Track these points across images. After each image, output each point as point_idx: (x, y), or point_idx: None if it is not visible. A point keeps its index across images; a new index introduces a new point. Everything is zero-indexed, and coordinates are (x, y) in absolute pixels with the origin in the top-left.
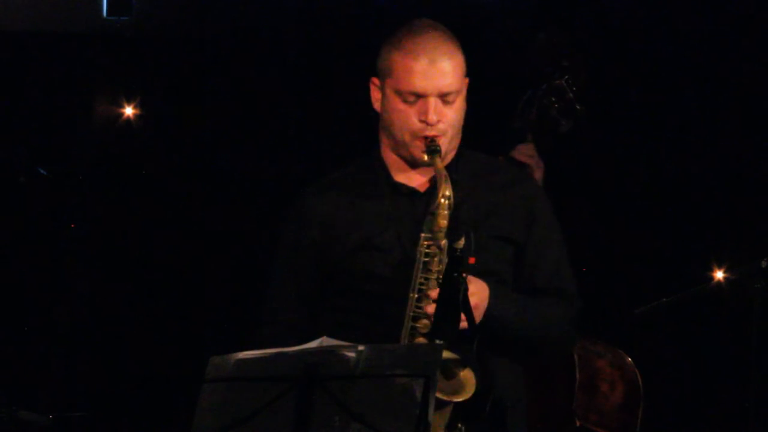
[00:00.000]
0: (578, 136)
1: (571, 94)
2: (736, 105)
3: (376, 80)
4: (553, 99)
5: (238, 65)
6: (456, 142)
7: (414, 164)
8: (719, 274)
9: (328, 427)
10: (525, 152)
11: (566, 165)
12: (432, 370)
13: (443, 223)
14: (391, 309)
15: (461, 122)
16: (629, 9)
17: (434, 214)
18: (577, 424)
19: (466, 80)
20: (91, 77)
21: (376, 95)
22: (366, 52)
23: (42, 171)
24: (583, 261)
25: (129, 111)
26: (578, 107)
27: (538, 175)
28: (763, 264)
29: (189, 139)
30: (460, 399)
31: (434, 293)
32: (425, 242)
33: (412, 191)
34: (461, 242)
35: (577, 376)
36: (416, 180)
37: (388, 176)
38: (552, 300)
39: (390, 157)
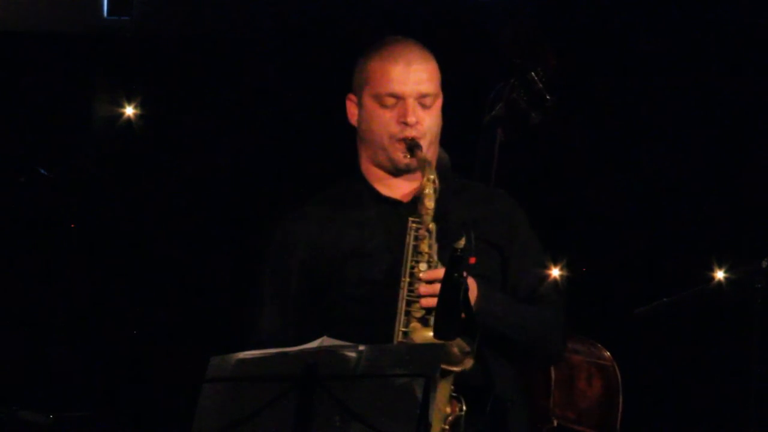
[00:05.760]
0: (579, 136)
1: (540, 86)
2: (736, 104)
3: (352, 96)
4: (522, 92)
5: (238, 65)
6: (434, 152)
7: (396, 171)
8: (719, 274)
9: (329, 427)
10: None
11: (566, 165)
12: (432, 370)
13: (430, 205)
14: (384, 313)
15: (438, 131)
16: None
17: (421, 198)
18: (554, 423)
19: (441, 95)
20: (92, 77)
21: (352, 110)
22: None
23: (42, 171)
24: (583, 261)
25: (129, 111)
26: (548, 98)
27: None
28: (764, 264)
29: (189, 139)
30: (457, 369)
31: (426, 275)
32: (413, 225)
33: (396, 202)
34: (461, 242)
35: (553, 374)
36: (400, 191)
37: (372, 189)
38: (536, 306)
39: (371, 172)
